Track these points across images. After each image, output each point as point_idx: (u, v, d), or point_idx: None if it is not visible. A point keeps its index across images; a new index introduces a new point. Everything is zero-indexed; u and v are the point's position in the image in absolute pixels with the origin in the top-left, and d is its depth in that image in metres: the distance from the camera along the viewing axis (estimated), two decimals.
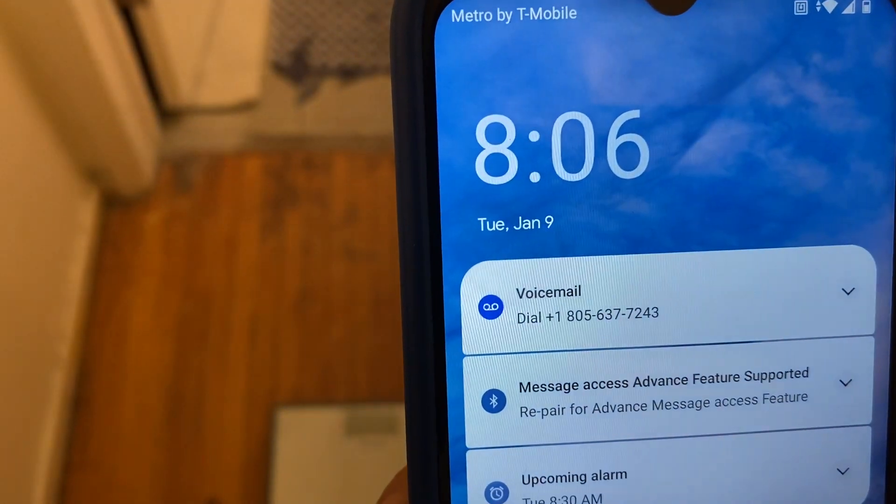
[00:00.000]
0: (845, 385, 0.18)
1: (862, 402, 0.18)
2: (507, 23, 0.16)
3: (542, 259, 0.17)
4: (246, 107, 1.31)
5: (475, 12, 0.16)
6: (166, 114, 1.25)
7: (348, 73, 1.40)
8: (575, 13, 0.16)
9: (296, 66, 1.39)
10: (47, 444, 0.95)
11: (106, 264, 1.13)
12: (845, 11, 0.16)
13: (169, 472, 1.00)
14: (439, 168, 0.16)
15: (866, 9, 0.16)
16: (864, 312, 0.18)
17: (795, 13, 0.16)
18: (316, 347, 1.09)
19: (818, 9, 0.16)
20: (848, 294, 0.17)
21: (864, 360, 0.18)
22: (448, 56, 0.16)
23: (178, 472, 1.00)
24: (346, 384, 1.07)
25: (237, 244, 1.17)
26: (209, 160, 1.24)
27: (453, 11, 0.16)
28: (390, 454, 0.98)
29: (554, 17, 0.16)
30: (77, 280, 1.07)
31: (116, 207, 1.17)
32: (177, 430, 1.02)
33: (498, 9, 0.16)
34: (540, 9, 0.16)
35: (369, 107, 1.36)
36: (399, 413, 1.01)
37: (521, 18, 0.16)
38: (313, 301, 1.13)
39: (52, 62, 0.95)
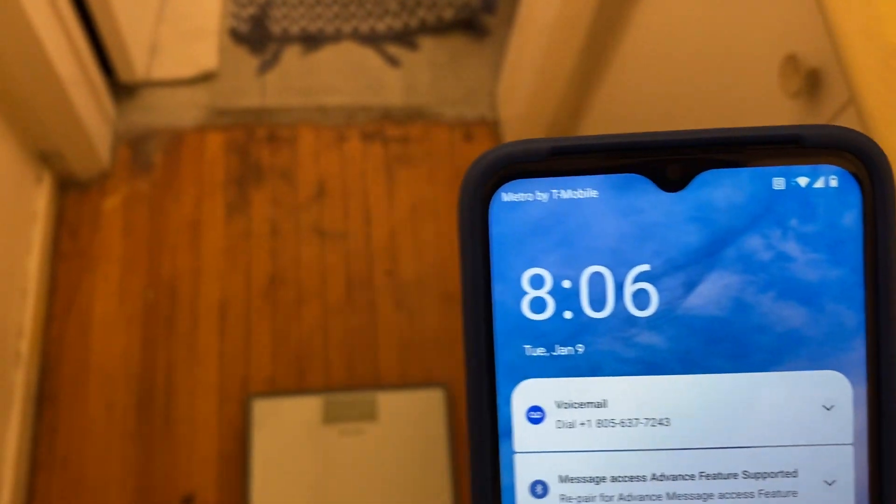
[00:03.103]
0: (830, 485, 0.21)
1: (845, 500, 0.21)
2: (545, 201, 0.21)
3: (576, 378, 0.21)
4: (204, 78, 1.25)
5: (520, 194, 0.21)
6: (121, 89, 1.19)
7: (311, 40, 1.34)
8: (596, 193, 0.21)
9: (255, 33, 1.32)
10: (11, 445, 0.91)
11: (63, 252, 1.08)
12: (816, 185, 0.20)
13: (141, 467, 0.97)
14: (494, 307, 0.21)
15: (833, 183, 0.20)
16: (843, 425, 0.21)
17: (774, 188, 0.20)
18: (288, 333, 1.06)
19: (793, 184, 0.20)
20: (828, 410, 0.21)
21: (844, 465, 0.21)
22: (500, 225, 0.21)
23: (151, 468, 0.97)
24: (321, 370, 1.04)
25: (201, 226, 1.13)
26: (168, 137, 1.19)
27: (503, 193, 0.21)
28: (369, 441, 0.97)
29: (580, 196, 0.21)
30: (33, 270, 1.02)
31: (72, 191, 1.12)
32: (147, 424, 0.99)
33: (537, 191, 0.21)
34: (569, 190, 0.21)
35: (334, 76, 1.30)
36: (377, 399, 0.99)
37: (555, 197, 0.21)
38: (283, 284, 1.10)
39: None
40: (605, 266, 0.21)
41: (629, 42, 0.85)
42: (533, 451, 0.21)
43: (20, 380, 0.95)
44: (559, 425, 0.21)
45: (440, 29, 1.35)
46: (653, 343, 0.21)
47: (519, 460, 0.22)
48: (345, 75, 1.30)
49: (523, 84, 1.12)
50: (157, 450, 0.98)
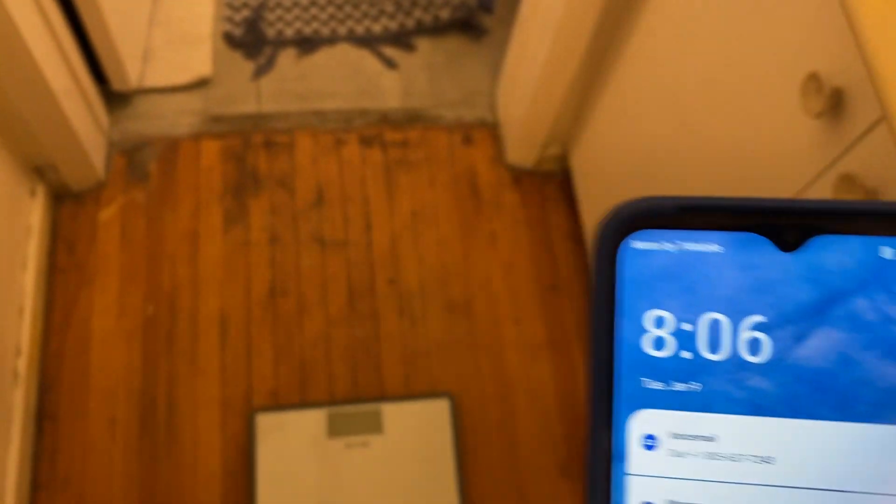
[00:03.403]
0: None
1: None
2: (671, 251, 0.23)
3: (689, 412, 0.23)
4: (199, 85, 1.23)
5: (648, 243, 0.23)
6: (114, 98, 1.17)
7: (306, 43, 1.32)
8: (719, 248, 0.23)
9: (249, 37, 1.30)
10: (12, 466, 0.90)
11: (59, 266, 1.06)
12: None
13: (144, 484, 0.96)
14: (618, 342, 0.23)
15: None
16: None
17: (881, 256, 0.22)
18: (290, 344, 1.05)
19: None
20: None
21: None
22: (629, 269, 0.23)
23: (154, 484, 0.96)
24: (325, 382, 1.03)
25: (199, 236, 1.11)
26: (163, 145, 1.17)
27: (633, 241, 0.23)
28: (375, 454, 0.95)
29: (704, 250, 0.23)
30: (29, 286, 1.00)
31: (66, 203, 1.10)
32: (150, 440, 0.98)
33: (664, 242, 0.23)
34: (694, 243, 0.23)
35: (330, 79, 1.28)
36: (382, 410, 0.98)
37: (681, 249, 0.23)
38: (284, 294, 1.08)
39: None
40: (723, 314, 0.23)
41: (636, 47, 0.83)
42: (644, 475, 0.23)
43: (19, 399, 0.93)
44: (671, 454, 0.23)
45: (437, 29, 1.33)
46: (762, 387, 0.23)
47: (631, 482, 0.24)
48: (341, 78, 1.29)
49: (524, 85, 1.10)
50: (160, 466, 0.97)
